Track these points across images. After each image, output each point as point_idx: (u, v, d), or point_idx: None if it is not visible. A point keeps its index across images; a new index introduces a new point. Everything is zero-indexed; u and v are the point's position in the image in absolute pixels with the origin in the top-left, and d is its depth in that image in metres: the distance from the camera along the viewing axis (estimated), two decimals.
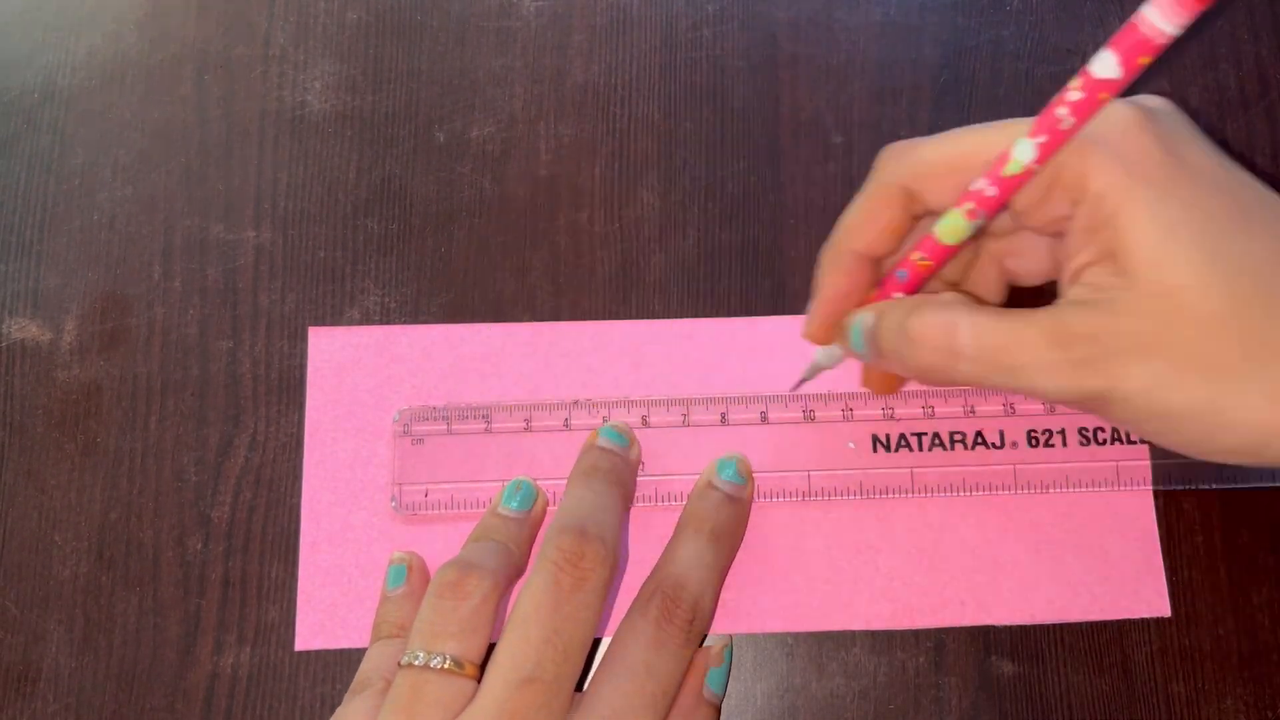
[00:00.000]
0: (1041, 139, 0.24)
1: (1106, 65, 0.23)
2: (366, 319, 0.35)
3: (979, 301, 0.28)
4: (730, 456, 0.32)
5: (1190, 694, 0.32)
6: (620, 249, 0.36)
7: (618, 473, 0.31)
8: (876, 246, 0.28)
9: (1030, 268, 0.29)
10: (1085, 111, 0.23)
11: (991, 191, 0.25)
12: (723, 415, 0.33)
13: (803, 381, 0.32)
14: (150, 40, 0.39)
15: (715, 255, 0.36)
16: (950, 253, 0.27)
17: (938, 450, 0.32)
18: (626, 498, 0.31)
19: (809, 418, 0.33)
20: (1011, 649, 0.32)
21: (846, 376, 0.32)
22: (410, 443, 0.33)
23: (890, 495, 0.32)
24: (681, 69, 0.37)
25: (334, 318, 0.35)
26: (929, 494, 0.32)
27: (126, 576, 0.33)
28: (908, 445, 0.33)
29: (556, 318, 0.35)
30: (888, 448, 0.33)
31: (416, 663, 0.26)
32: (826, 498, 0.32)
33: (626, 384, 0.34)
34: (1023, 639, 0.32)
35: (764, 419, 0.33)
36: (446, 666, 0.26)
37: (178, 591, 0.33)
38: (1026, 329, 0.24)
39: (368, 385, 0.34)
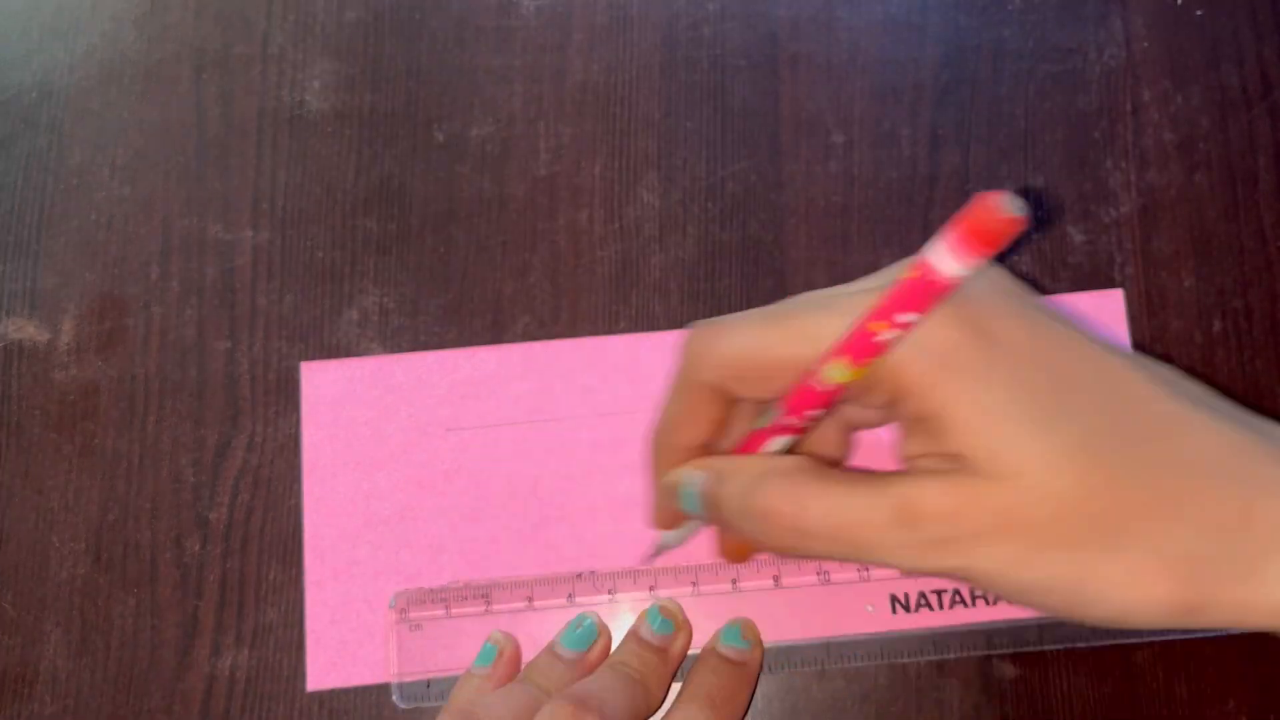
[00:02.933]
0: (848, 361, 0.22)
1: (905, 303, 0.21)
2: (365, 319, 0.35)
3: (824, 462, 0.25)
4: (735, 621, 0.31)
5: (1192, 696, 0.31)
6: (620, 249, 0.36)
7: (648, 669, 0.29)
8: (700, 438, 0.27)
9: (872, 420, 0.28)
10: (896, 328, 0.22)
11: (795, 421, 0.24)
12: (734, 581, 0.32)
13: (652, 558, 0.32)
14: (148, 39, 0.38)
15: (715, 255, 0.36)
16: (775, 432, 0.26)
17: (959, 608, 0.31)
18: (650, 694, 0.29)
19: (824, 580, 0.31)
20: (1013, 651, 0.32)
21: None
22: (408, 630, 0.32)
23: (912, 659, 0.31)
24: (681, 68, 0.37)
25: (332, 318, 0.35)
26: (954, 655, 0.31)
27: (124, 578, 0.33)
28: (927, 604, 0.31)
29: (556, 318, 0.35)
30: (907, 608, 0.31)
31: None
32: (848, 662, 0.31)
33: (624, 398, 0.34)
34: (1024, 641, 0.32)
35: (777, 584, 0.32)
36: None
37: (175, 593, 0.33)
38: (875, 509, 0.22)
39: (365, 417, 0.34)
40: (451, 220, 0.36)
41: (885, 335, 0.22)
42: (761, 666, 0.31)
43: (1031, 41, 0.37)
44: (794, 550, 0.24)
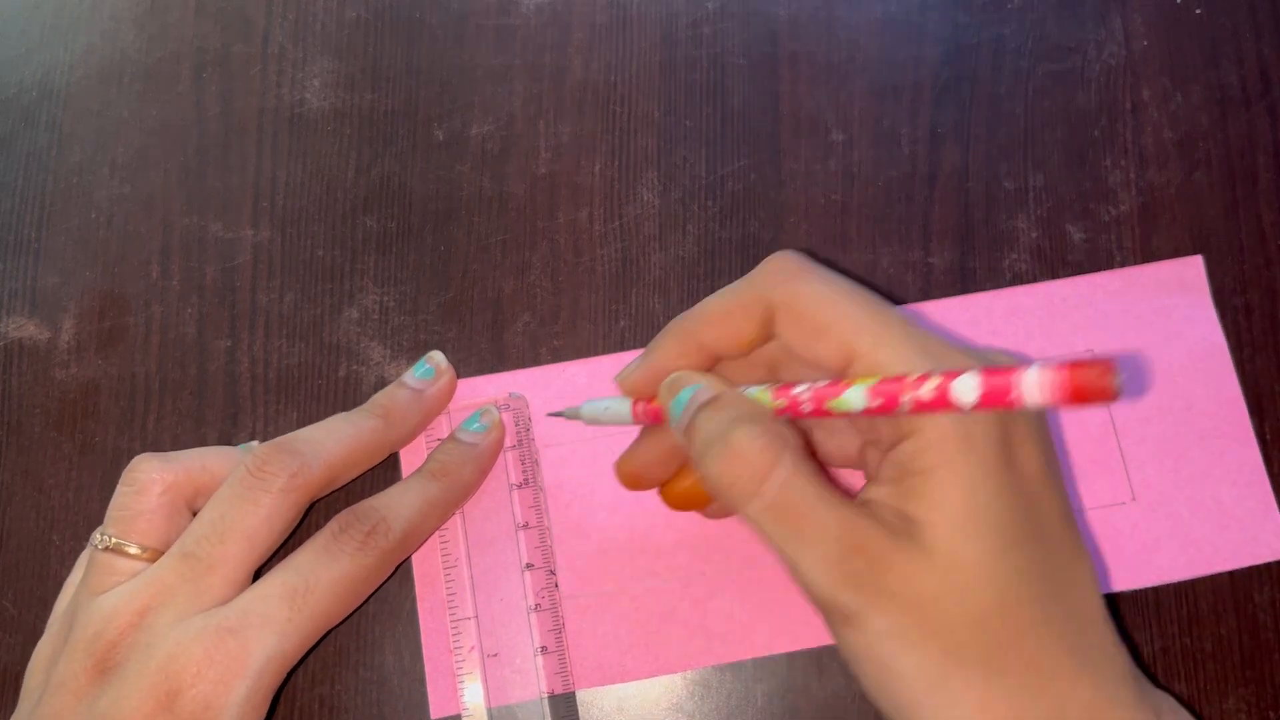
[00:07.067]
0: (876, 402, 0.23)
1: (967, 390, 0.22)
2: (365, 318, 0.35)
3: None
4: (477, 410, 0.33)
5: (1192, 694, 0.31)
6: (620, 247, 0.36)
7: (384, 408, 0.32)
8: (721, 347, 0.27)
9: (835, 453, 0.28)
10: (926, 409, 0.23)
11: (808, 408, 0.24)
12: None
13: (560, 415, 0.32)
14: (148, 38, 0.38)
15: (715, 253, 0.36)
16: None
17: None
18: (377, 432, 0.31)
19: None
20: None
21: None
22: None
23: None
24: (681, 66, 0.37)
25: (333, 316, 0.35)
26: None
27: None
28: None
29: (556, 317, 0.35)
30: None
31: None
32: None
33: None
34: None
35: None
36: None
37: None
38: (829, 511, 0.23)
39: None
40: (451, 219, 0.36)
41: (924, 395, 0.22)
42: (499, 446, 0.33)
43: (1031, 40, 0.37)
44: (732, 498, 0.24)
